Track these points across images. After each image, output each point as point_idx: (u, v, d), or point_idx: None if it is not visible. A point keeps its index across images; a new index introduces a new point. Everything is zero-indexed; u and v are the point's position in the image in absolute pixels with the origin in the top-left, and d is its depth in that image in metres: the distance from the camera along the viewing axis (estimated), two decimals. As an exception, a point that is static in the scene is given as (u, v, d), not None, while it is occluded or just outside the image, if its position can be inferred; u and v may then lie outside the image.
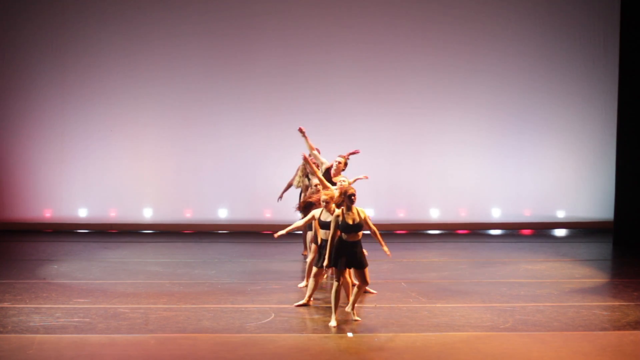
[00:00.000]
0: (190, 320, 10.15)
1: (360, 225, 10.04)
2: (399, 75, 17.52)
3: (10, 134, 17.19)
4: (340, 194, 10.26)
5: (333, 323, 9.97)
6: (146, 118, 17.35)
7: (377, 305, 10.99)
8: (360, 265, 10.08)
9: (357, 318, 10.19)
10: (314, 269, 10.73)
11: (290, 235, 16.73)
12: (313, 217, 10.89)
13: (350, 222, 10.00)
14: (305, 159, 12.29)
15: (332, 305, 10.08)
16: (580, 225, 17.83)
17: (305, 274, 11.70)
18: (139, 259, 14.24)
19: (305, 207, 11.20)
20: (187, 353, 8.94)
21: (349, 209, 10.03)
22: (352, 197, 10.03)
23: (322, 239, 10.60)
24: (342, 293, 10.39)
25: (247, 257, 14.45)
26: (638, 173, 15.73)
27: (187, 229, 17.35)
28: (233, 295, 11.39)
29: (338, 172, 12.51)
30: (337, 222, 10.01)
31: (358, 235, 10.07)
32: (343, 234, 10.05)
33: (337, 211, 10.06)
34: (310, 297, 10.84)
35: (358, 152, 12.91)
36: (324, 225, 10.53)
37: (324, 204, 10.56)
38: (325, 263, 10.13)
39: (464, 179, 17.66)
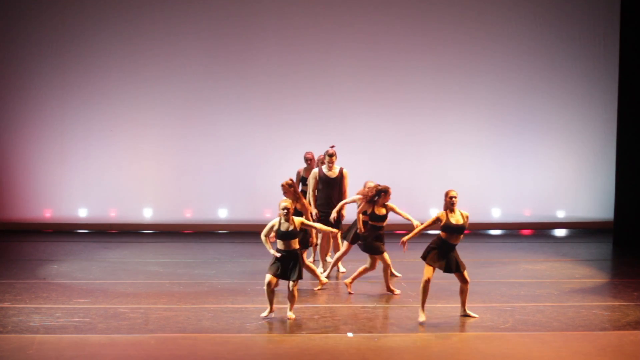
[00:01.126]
0: (190, 320, 10.15)
1: (463, 227, 10.20)
2: (399, 75, 17.53)
3: (10, 134, 17.19)
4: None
5: (422, 318, 10.13)
6: (146, 118, 17.35)
7: (377, 306, 11.00)
8: (460, 267, 10.25)
9: (474, 315, 10.33)
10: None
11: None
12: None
13: (454, 222, 10.13)
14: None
15: (421, 300, 10.19)
16: (580, 225, 17.83)
17: (331, 264, 12.45)
18: (139, 259, 14.24)
19: (376, 196, 11.38)
20: (187, 353, 8.94)
21: (452, 210, 10.17)
22: (453, 200, 10.16)
23: (278, 249, 10.21)
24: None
25: (247, 257, 14.45)
26: (638, 173, 15.73)
27: (187, 229, 17.35)
28: (233, 295, 11.40)
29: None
30: (437, 221, 10.16)
31: (459, 238, 10.22)
32: (443, 233, 10.15)
33: (441, 213, 10.18)
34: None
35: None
36: (282, 236, 10.14)
37: (285, 211, 10.14)
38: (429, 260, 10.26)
39: (464, 179, 17.64)
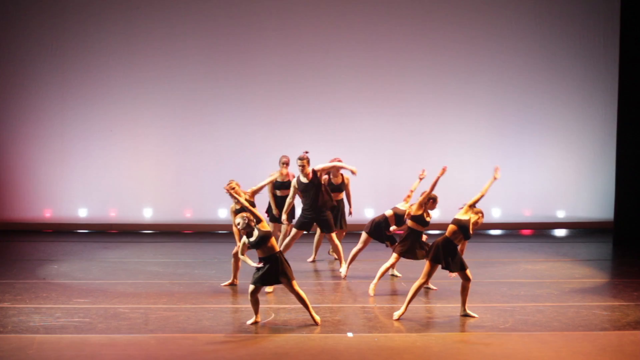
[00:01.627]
0: (190, 320, 10.15)
1: (470, 237, 10.36)
2: (399, 75, 17.52)
3: (10, 134, 17.19)
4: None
5: (395, 315, 10.23)
6: (146, 118, 17.36)
7: (377, 305, 11.00)
8: (455, 265, 10.35)
9: (474, 315, 10.34)
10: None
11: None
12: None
13: (471, 230, 10.27)
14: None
15: (409, 299, 10.25)
16: (580, 225, 17.84)
17: (348, 261, 12.43)
18: (139, 259, 14.24)
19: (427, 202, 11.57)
20: (187, 353, 8.94)
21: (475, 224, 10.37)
22: (479, 223, 10.32)
23: (260, 258, 10.01)
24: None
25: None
26: (638, 173, 15.74)
27: (187, 229, 17.35)
28: (233, 295, 11.40)
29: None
30: (475, 204, 10.41)
31: (460, 241, 10.35)
32: (454, 227, 10.25)
33: (472, 214, 10.29)
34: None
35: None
36: (255, 245, 9.88)
37: (242, 226, 9.84)
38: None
39: (463, 179, 17.63)
